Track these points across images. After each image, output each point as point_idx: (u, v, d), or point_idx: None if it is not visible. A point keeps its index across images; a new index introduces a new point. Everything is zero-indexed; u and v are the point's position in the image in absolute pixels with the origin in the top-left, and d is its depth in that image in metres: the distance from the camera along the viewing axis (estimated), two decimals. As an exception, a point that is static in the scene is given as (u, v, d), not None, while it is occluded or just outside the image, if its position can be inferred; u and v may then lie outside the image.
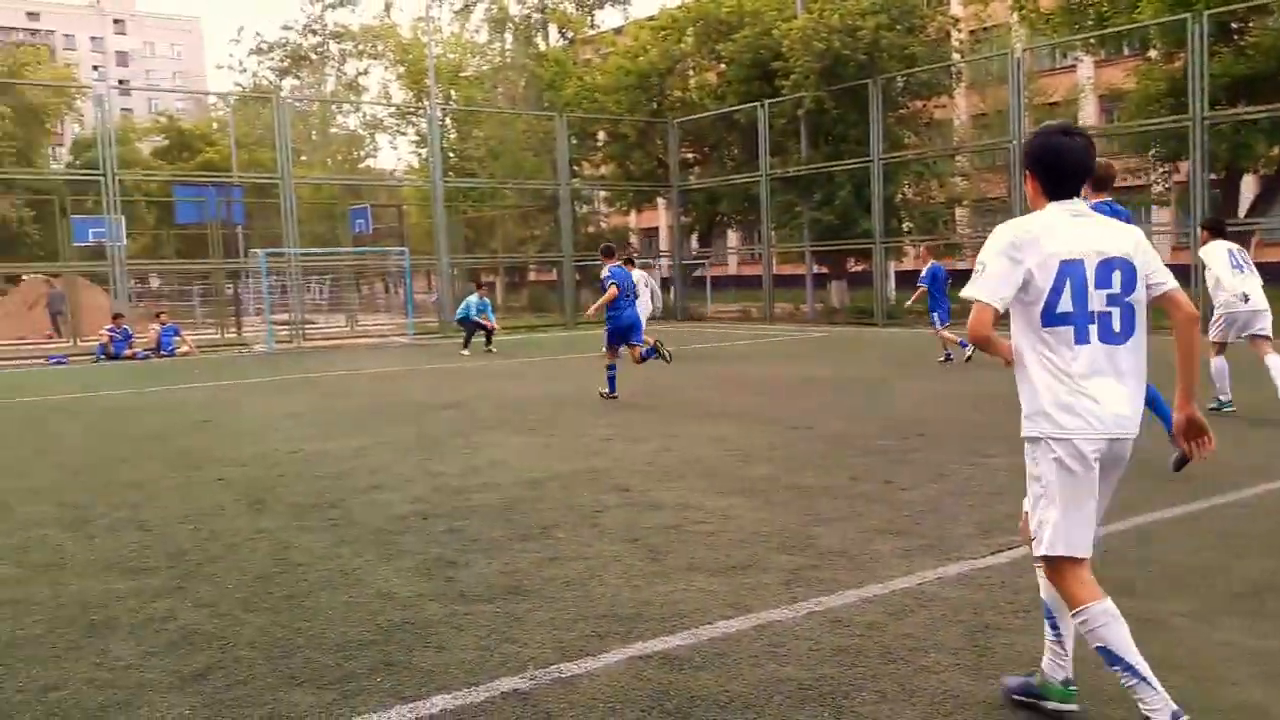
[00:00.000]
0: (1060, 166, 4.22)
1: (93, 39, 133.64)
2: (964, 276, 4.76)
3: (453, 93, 55.46)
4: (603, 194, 52.11)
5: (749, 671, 4.88)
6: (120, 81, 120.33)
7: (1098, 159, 4.99)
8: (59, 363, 28.44)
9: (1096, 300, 4.07)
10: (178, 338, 30.46)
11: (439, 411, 14.96)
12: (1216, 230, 12.98)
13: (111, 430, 14.21)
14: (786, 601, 5.83)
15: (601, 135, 47.85)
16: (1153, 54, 32.11)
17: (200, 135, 71.89)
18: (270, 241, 38.22)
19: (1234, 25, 28.40)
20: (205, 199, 36.42)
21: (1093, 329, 4.07)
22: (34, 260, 50.65)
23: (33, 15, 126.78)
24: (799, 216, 38.08)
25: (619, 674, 4.90)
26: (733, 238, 59.04)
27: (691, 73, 44.27)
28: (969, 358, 18.51)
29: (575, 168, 46.03)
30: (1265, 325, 12.22)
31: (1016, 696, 4.47)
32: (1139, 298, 4.13)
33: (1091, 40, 33.50)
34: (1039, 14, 33.48)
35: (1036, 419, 4.15)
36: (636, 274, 18.77)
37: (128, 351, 28.99)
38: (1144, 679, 3.96)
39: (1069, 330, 4.08)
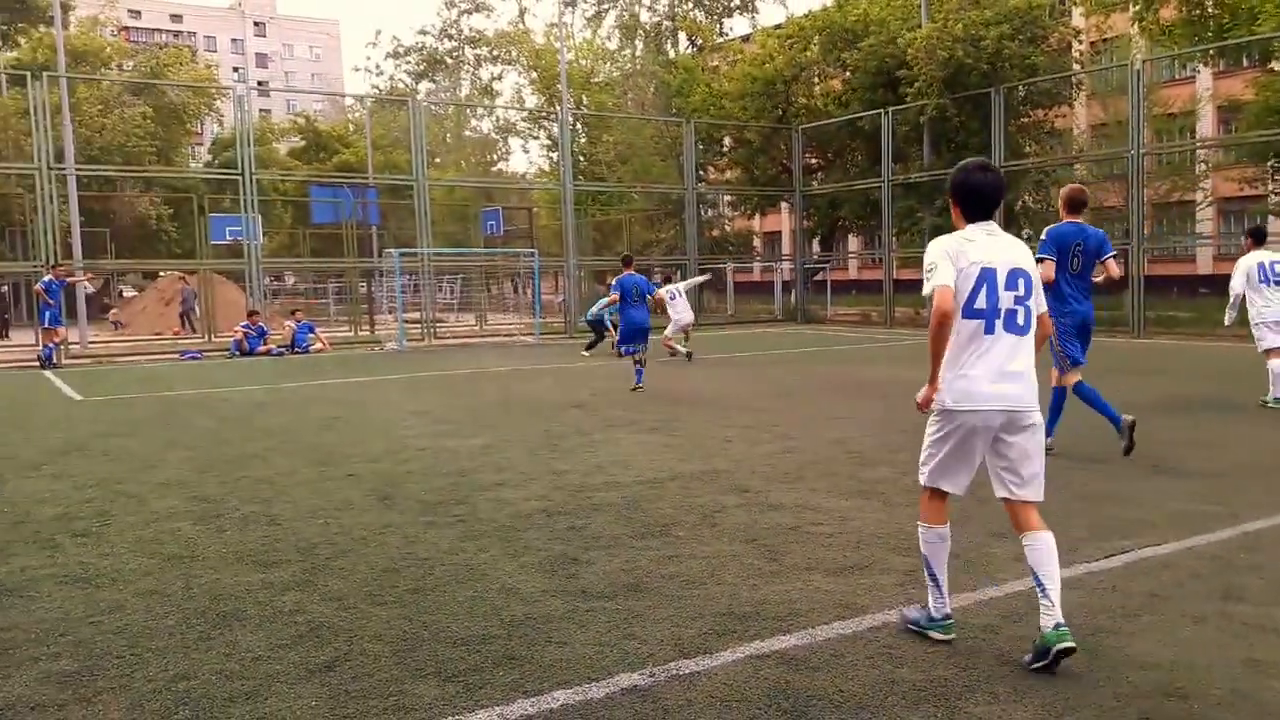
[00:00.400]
0: (977, 196, 5.28)
1: (233, 41, 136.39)
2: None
3: (584, 98, 55.85)
4: (727, 198, 52.13)
5: (864, 672, 4.93)
6: (259, 83, 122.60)
7: (1071, 184, 7.36)
8: (193, 358, 28.82)
9: (1005, 300, 5.14)
10: (312, 335, 30.74)
11: (563, 410, 15.07)
12: (1258, 239, 14.29)
13: (243, 425, 14.35)
14: (902, 603, 5.86)
15: (727, 141, 47.91)
16: (1274, 65, 31.47)
17: (337, 137, 72.76)
18: (404, 242, 38.88)
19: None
20: (341, 200, 36.97)
21: (999, 323, 5.14)
22: (171, 257, 51.76)
23: (176, 18, 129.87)
24: (920, 222, 37.81)
25: (736, 672, 4.95)
26: (854, 242, 58.74)
27: (816, 80, 44.19)
28: None
29: (701, 172, 46.18)
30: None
31: (911, 627, 5.46)
32: (1034, 301, 5.26)
33: (1211, 52, 32.90)
34: (1159, 26, 32.98)
35: (943, 392, 5.25)
36: (669, 286, 21.71)
37: (262, 348, 29.37)
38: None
39: (981, 323, 5.14)
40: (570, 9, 61.88)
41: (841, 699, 4.64)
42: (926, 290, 5.25)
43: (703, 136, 44.74)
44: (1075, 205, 10.35)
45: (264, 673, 5.07)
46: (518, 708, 4.62)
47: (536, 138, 65.79)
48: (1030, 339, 5.26)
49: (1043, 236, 10.29)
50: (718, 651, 5.22)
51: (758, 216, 55.85)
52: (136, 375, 23.49)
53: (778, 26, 47.49)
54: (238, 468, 10.81)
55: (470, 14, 67.97)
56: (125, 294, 57.96)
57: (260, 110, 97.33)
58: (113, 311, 46.36)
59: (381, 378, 21.43)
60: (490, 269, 42.88)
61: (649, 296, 19.48)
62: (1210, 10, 31.51)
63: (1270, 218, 38.72)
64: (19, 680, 5.05)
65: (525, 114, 63.70)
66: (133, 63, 64.87)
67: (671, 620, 5.69)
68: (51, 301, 25.91)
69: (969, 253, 5.15)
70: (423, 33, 72.71)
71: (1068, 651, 4.84)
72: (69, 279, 28.00)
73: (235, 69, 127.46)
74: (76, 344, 30.25)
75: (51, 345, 26.62)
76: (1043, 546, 5.18)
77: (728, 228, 55.29)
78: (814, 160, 45.64)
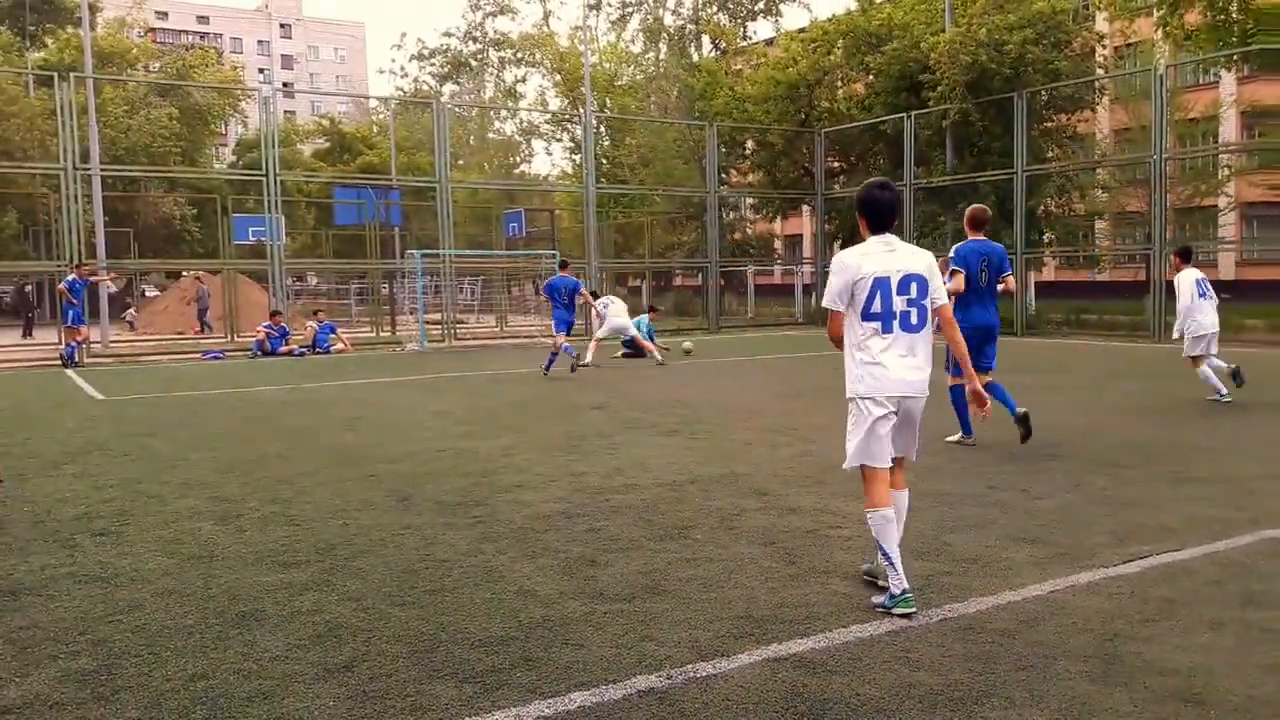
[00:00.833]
0: (877, 211, 6.08)
1: (259, 42, 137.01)
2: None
3: (607, 101, 55.91)
4: (749, 201, 52.11)
5: (881, 676, 4.93)
6: (284, 84, 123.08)
7: (973, 205, 9.01)
8: (215, 358, 28.95)
9: (899, 303, 5.92)
10: (333, 335, 30.80)
11: (584, 412, 15.11)
12: (1186, 258, 15.64)
13: (264, 425, 14.39)
14: (920, 607, 5.85)
15: (749, 144, 47.90)
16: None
17: (361, 138, 72.87)
18: (426, 243, 38.94)
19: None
20: (364, 201, 37.09)
21: (895, 322, 5.92)
22: (195, 258, 51.93)
23: (202, 19, 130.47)
24: (942, 226, 37.76)
25: (753, 675, 4.96)
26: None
27: (839, 84, 44.09)
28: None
29: (723, 175, 46.20)
30: (1215, 346, 15.18)
31: (878, 608, 5.91)
32: (928, 304, 6.01)
33: (1235, 57, 32.79)
34: (1183, 31, 32.87)
35: (853, 383, 6.04)
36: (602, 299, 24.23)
37: (284, 348, 29.44)
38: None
39: (878, 324, 5.94)
40: (595, 12, 62.02)
41: (858, 703, 4.64)
42: (823, 303, 6.27)
43: (725, 140, 44.76)
44: (978, 224, 11.40)
45: (282, 673, 5.08)
46: (534, 709, 4.63)
47: (559, 140, 65.93)
48: (925, 335, 6.04)
49: (950, 253, 11.19)
50: (735, 654, 5.22)
51: (779, 219, 55.85)
52: (158, 375, 23.60)
53: (801, 30, 47.39)
54: (258, 468, 10.85)
55: (495, 16, 68.08)
56: (148, 294, 58.19)
57: (285, 112, 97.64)
58: (129, 311, 46.56)
59: (402, 379, 21.48)
60: (511, 270, 42.98)
61: (577, 296, 22.35)
62: (1235, 15, 31.36)
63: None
64: (38, 678, 5.07)
65: (548, 116, 63.79)
66: (159, 64, 65.10)
67: (689, 623, 5.69)
68: (75, 301, 26.02)
69: (864, 265, 5.94)
70: (447, 35, 72.86)
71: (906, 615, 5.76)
72: (92, 278, 28.11)
73: (261, 70, 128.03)
74: (99, 343, 30.42)
75: (74, 344, 26.73)
76: (900, 502, 6.17)
77: (749, 230, 55.29)
78: (836, 164, 45.56)
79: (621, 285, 59.07)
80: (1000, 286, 11.64)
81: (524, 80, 74.24)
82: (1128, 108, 40.25)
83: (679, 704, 4.65)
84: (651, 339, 26.33)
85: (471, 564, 6.95)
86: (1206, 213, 42.82)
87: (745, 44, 59.30)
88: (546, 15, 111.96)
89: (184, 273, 46.06)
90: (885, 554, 5.84)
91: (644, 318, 27.27)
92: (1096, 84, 38.31)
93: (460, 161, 67.94)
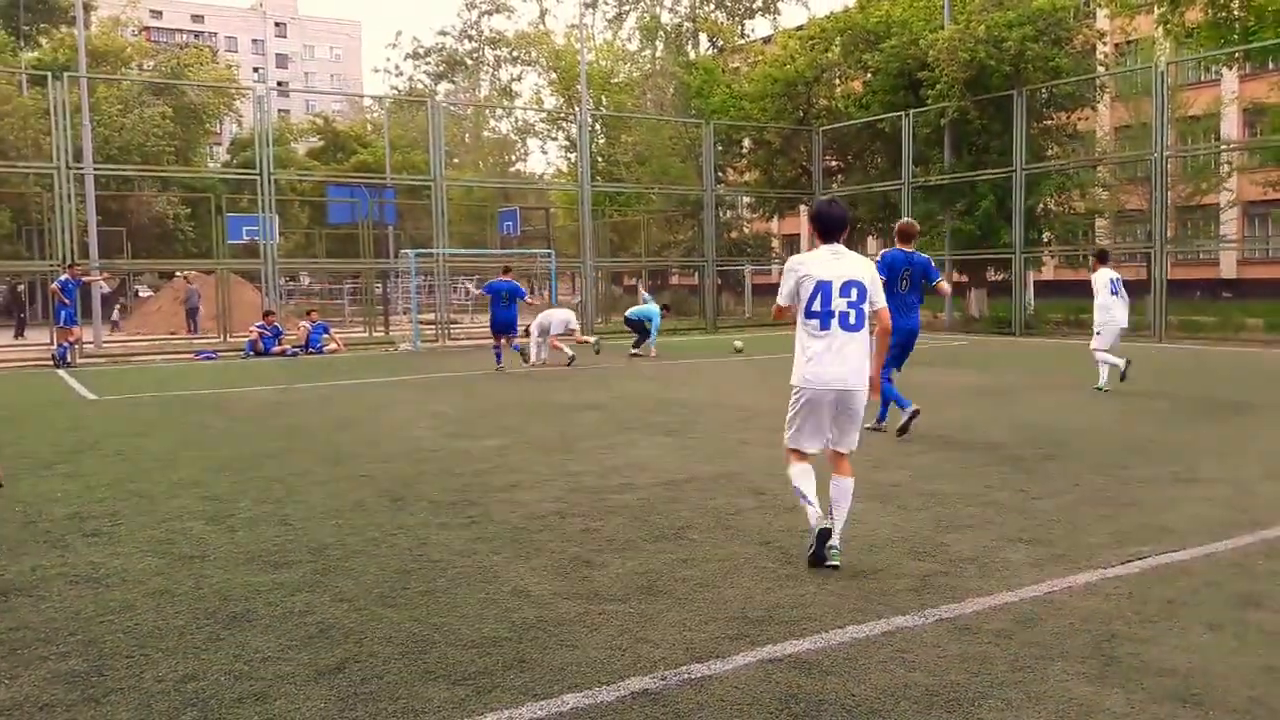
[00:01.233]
0: (825, 224, 6.92)
1: (254, 41, 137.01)
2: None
3: (603, 99, 55.89)
4: (746, 200, 52.09)
5: (877, 677, 4.91)
6: (279, 83, 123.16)
7: (903, 219, 10.64)
8: (208, 358, 28.83)
9: (839, 304, 6.68)
10: (326, 335, 30.72)
11: (580, 412, 15.08)
12: (1103, 259, 17.12)
13: (257, 425, 14.37)
14: (916, 608, 5.85)
15: (746, 142, 47.84)
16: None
17: (355, 137, 72.89)
18: (420, 242, 38.95)
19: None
20: (358, 200, 37.04)
21: (834, 321, 6.67)
22: (188, 257, 51.86)
23: (197, 18, 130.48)
24: (940, 225, 37.75)
25: (748, 676, 4.93)
26: (873, 245, 58.64)
27: (837, 82, 44.01)
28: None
29: (720, 174, 46.13)
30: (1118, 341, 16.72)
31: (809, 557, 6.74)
32: (866, 308, 6.78)
33: (1237, 54, 32.79)
34: (1184, 28, 32.85)
35: (796, 374, 6.82)
36: (550, 314, 24.61)
37: (277, 348, 29.34)
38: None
39: (817, 321, 6.71)
40: (591, 10, 62.00)
41: (854, 703, 4.62)
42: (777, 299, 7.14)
43: (722, 138, 44.68)
44: (906, 236, 12.46)
45: (273, 674, 5.06)
46: (527, 711, 4.60)
47: (555, 139, 65.92)
48: (861, 334, 6.75)
49: (875, 259, 11.52)
50: (730, 655, 5.20)
51: (776, 219, 55.80)
52: (151, 375, 23.56)
53: (799, 28, 47.40)
54: (250, 468, 10.82)
55: (490, 15, 68.13)
56: (141, 294, 58.10)
57: (279, 110, 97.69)
58: (116, 309, 46.49)
59: (396, 379, 21.47)
60: (506, 270, 42.89)
61: (518, 300, 23.31)
62: (1236, 12, 31.37)
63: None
64: (28, 679, 5.03)
65: (544, 115, 63.78)
66: (153, 62, 65.02)
67: (684, 624, 5.67)
68: (67, 301, 26.00)
69: (810, 268, 6.77)
70: (443, 34, 72.89)
71: (833, 566, 6.60)
72: (85, 278, 28.10)
73: (255, 69, 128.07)
74: (91, 343, 30.34)
75: (66, 344, 26.71)
76: (844, 487, 6.79)
77: (746, 229, 55.26)
78: (834, 162, 45.54)
79: (618, 284, 59.08)
80: (944, 287, 12.87)
81: (519, 79, 74.11)
82: (1128, 105, 40.21)
83: (673, 705, 4.62)
84: (651, 334, 26.44)
85: (465, 564, 6.92)
86: (1207, 211, 42.83)
87: (743, 41, 59.33)
88: (543, 13, 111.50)
89: (176, 273, 45.92)
90: (805, 496, 6.78)
91: (655, 308, 27.29)
92: (1097, 81, 38.24)
93: (455, 160, 67.89)
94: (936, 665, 5.04)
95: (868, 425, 11.87)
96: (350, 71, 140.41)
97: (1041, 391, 16.77)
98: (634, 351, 26.14)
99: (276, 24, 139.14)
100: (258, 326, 29.91)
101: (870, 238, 53.49)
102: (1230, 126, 47.93)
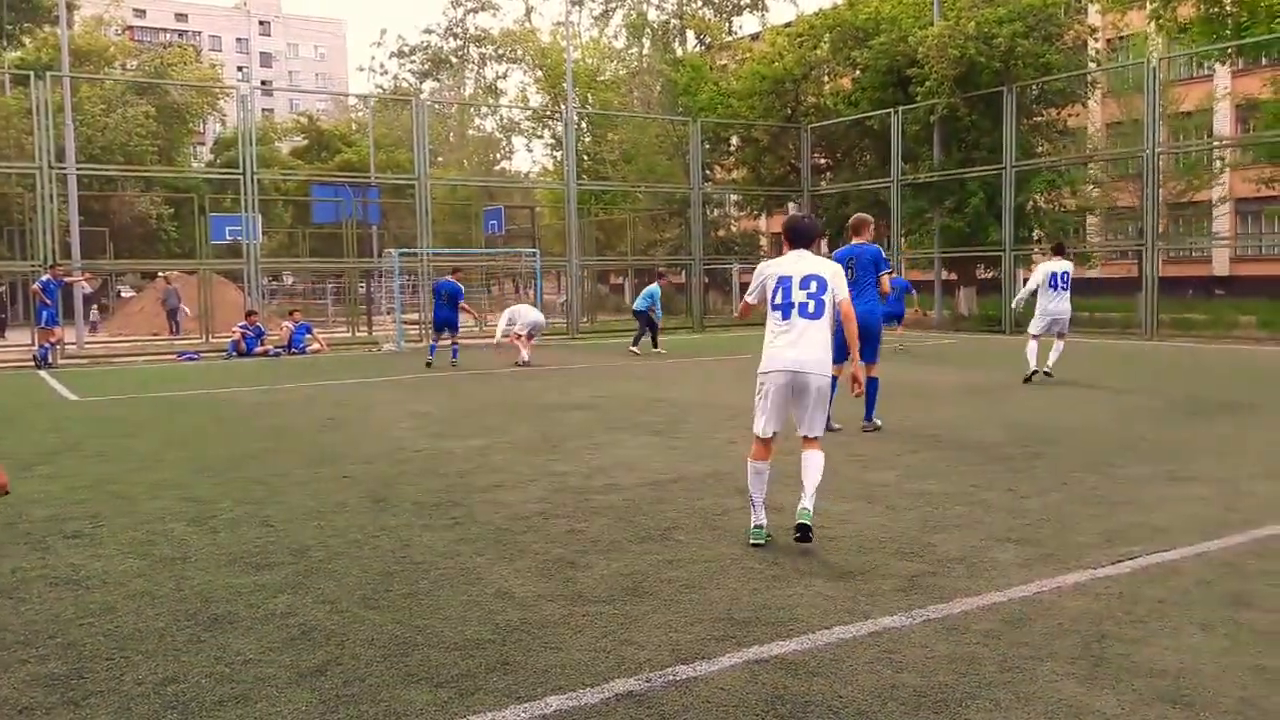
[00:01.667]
0: (795, 234, 7.65)
1: (238, 40, 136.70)
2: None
3: (589, 96, 55.83)
4: (733, 198, 52.03)
5: (864, 678, 4.88)
6: (263, 82, 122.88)
7: (857, 214, 11.45)
8: (190, 359, 28.67)
9: (799, 296, 7.26)
10: (309, 335, 30.63)
11: (565, 412, 15.05)
12: (1058, 251, 18.33)
13: (239, 426, 14.32)
14: (903, 608, 5.82)
15: (734, 140, 47.79)
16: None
17: (339, 136, 72.83)
18: (404, 241, 38.87)
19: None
20: (342, 199, 36.97)
21: (794, 312, 7.24)
22: (171, 257, 51.73)
23: (181, 17, 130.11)
24: (929, 223, 37.76)
25: (734, 677, 4.90)
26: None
27: (826, 79, 43.94)
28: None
29: (707, 171, 46.08)
30: (1065, 328, 17.90)
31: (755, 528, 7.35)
32: (827, 298, 7.29)
33: (1229, 50, 32.84)
34: (1177, 23, 32.87)
35: (761, 361, 7.34)
36: (519, 308, 25.32)
37: (259, 349, 29.22)
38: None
39: (780, 312, 7.30)
40: (577, 8, 61.93)
41: (840, 705, 4.59)
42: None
43: (709, 135, 44.65)
44: (855, 230, 12.71)
45: (254, 676, 5.02)
46: (510, 713, 4.57)
47: (540, 137, 65.79)
48: (820, 322, 7.25)
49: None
50: (716, 657, 5.17)
51: (764, 217, 55.71)
52: (133, 376, 23.49)
53: (787, 24, 47.37)
54: (232, 469, 10.77)
55: (476, 13, 68.03)
56: (123, 294, 57.91)
57: (263, 109, 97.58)
58: (92, 310, 46.36)
59: (379, 379, 21.44)
60: (491, 269, 42.85)
61: (459, 301, 24.00)
62: (1229, 8, 31.40)
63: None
64: (7, 682, 4.99)
65: (530, 113, 63.68)
66: (136, 62, 64.92)
67: (670, 625, 5.63)
68: (49, 301, 25.88)
69: (777, 266, 7.46)
70: (428, 32, 72.76)
71: (805, 529, 7.06)
72: (67, 279, 27.98)
73: (240, 68, 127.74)
74: (73, 344, 30.25)
75: (48, 345, 26.58)
76: (813, 460, 7.30)
77: (734, 228, 55.21)
78: (822, 160, 45.43)
79: (604, 283, 59.06)
80: (883, 283, 12.73)
81: (505, 76, 73.87)
82: (1120, 101, 40.23)
83: (658, 707, 4.59)
84: (656, 322, 26.57)
85: (448, 566, 6.89)
86: (1200, 207, 42.86)
87: (730, 38, 59.27)
88: (528, 11, 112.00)
89: (160, 273, 45.79)
90: (753, 498, 7.38)
91: (650, 288, 27.37)
92: (1088, 77, 38.24)
93: (440, 159, 67.86)
94: (924, 666, 5.01)
95: (865, 427, 11.93)
96: (335, 70, 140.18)
97: (1031, 390, 16.75)
98: (633, 349, 26.17)
99: (261, 23, 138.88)
100: (240, 327, 29.76)
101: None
102: (1223, 122, 47.95)
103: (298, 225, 56.26)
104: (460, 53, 68.87)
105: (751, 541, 7.22)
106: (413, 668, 5.10)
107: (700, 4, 60.16)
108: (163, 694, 4.83)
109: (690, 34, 59.60)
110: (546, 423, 13.90)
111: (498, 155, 76.34)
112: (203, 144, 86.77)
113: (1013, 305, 18.20)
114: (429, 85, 70.24)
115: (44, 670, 5.13)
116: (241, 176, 31.17)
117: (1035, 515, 8.00)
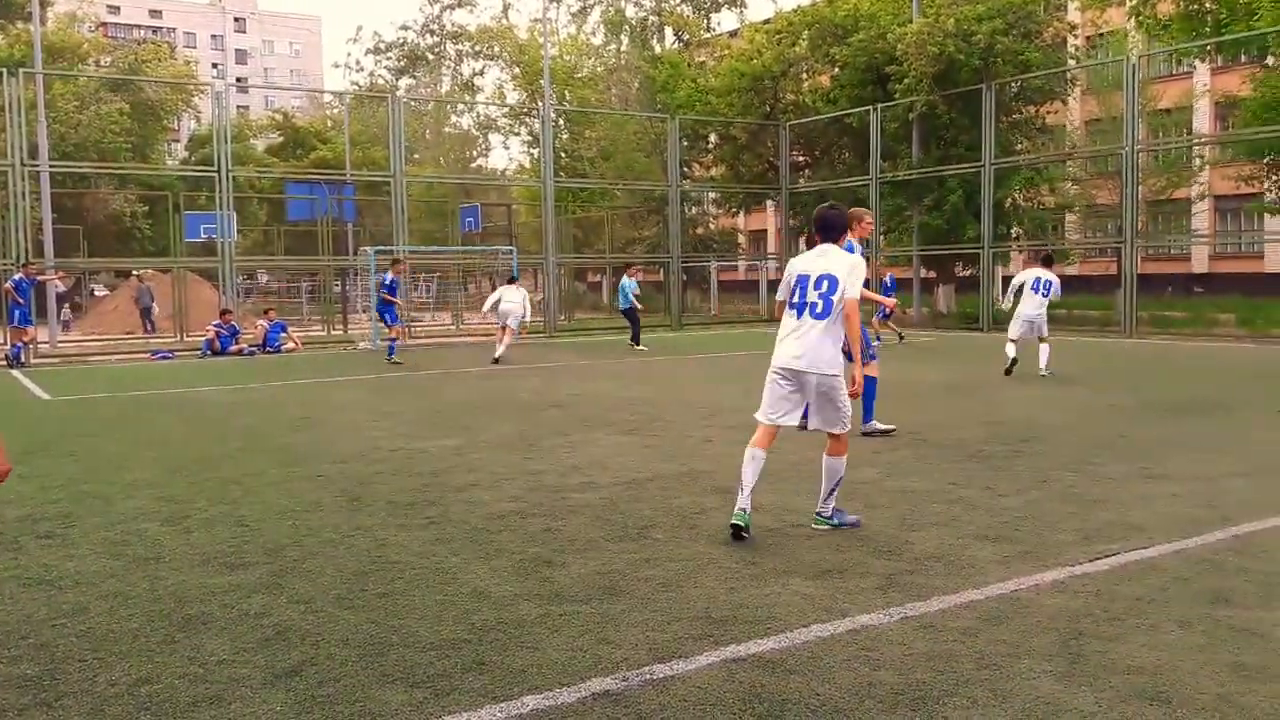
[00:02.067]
0: (820, 225, 7.75)
1: (213, 37, 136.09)
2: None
3: (566, 93, 55.76)
4: (712, 195, 52.05)
5: (841, 676, 4.87)
6: (238, 79, 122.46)
7: (849, 209, 9.99)
8: (164, 358, 28.60)
9: (812, 295, 7.42)
10: (284, 334, 30.54)
11: (541, 411, 15.03)
12: (1045, 262, 19.02)
13: (213, 425, 14.25)
14: (881, 606, 5.82)
15: (713, 137, 47.78)
16: (1270, 61, 31.56)
17: (315, 133, 72.66)
18: (380, 239, 38.71)
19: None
20: (317, 196, 36.86)
21: (805, 311, 7.42)
22: (145, 255, 51.49)
23: (155, 13, 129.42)
24: (908, 220, 37.83)
25: (711, 676, 4.89)
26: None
27: (805, 76, 43.95)
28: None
29: (686, 169, 46.07)
30: (1043, 330, 18.47)
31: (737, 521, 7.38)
32: (837, 297, 7.37)
33: (1208, 47, 32.96)
34: (1156, 20, 32.98)
35: (774, 355, 7.55)
36: (509, 291, 24.62)
37: (234, 347, 29.08)
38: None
39: (794, 311, 7.51)
40: (555, 4, 61.83)
41: (818, 703, 4.57)
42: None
43: (687, 133, 44.66)
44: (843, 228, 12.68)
45: (228, 677, 4.99)
46: (487, 713, 4.55)
47: (517, 134, 65.75)
48: (825, 322, 7.37)
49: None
50: (693, 655, 5.15)
51: (743, 214, 55.76)
52: (106, 375, 23.38)
53: (766, 21, 47.37)
54: (206, 468, 10.72)
55: (453, 9, 67.78)
56: (97, 293, 57.61)
57: (239, 106, 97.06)
58: (64, 309, 46.13)
59: (354, 378, 21.37)
60: (468, 267, 42.74)
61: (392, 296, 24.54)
62: (1208, 5, 31.53)
63: (1267, 216, 38.95)
64: (-23, 684, 4.95)
65: (507, 110, 63.58)
66: (110, 58, 64.55)
67: (646, 624, 5.61)
68: (21, 300, 25.71)
69: (798, 265, 7.63)
70: (404, 28, 72.60)
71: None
72: (39, 277, 27.81)
73: (214, 65, 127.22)
74: (46, 343, 30.09)
75: (20, 344, 26.36)
76: (825, 463, 7.64)
77: (712, 225, 55.26)
78: (801, 157, 45.49)
79: (582, 280, 58.99)
80: None
81: (482, 73, 73.51)
82: (1099, 98, 40.32)
83: (635, 706, 4.58)
84: (636, 315, 26.69)
85: (424, 565, 6.86)
86: (1179, 205, 42.98)
87: (709, 35, 59.26)
88: (506, 8, 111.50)
89: (134, 271, 45.55)
90: (742, 483, 7.42)
91: (629, 281, 27.49)
92: (1068, 75, 38.34)
93: (416, 156, 67.55)
94: (902, 663, 5.01)
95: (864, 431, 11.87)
96: (310, 67, 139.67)
97: (1010, 388, 16.79)
98: (639, 347, 26.24)
99: (235, 19, 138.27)
100: (215, 325, 29.65)
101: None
102: (1202, 120, 48.13)
103: (273, 223, 55.96)
104: (437, 49, 68.62)
105: (732, 521, 7.32)
106: (388, 668, 5.07)
107: (678, 1, 60.12)
108: (136, 695, 4.80)
109: (669, 30, 59.57)
110: (521, 421, 13.87)
111: (474, 152, 76.14)
112: (177, 141, 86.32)
113: (1001, 302, 18.90)
114: (405, 82, 69.93)
115: (16, 671, 5.09)
116: (216, 174, 31.05)
117: (1014, 513, 8.01)
